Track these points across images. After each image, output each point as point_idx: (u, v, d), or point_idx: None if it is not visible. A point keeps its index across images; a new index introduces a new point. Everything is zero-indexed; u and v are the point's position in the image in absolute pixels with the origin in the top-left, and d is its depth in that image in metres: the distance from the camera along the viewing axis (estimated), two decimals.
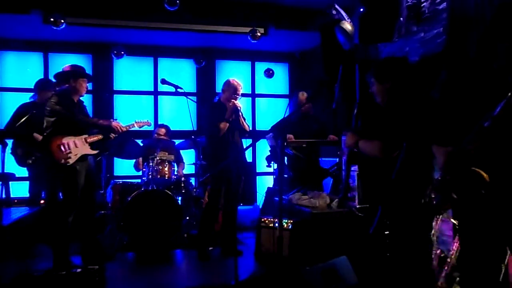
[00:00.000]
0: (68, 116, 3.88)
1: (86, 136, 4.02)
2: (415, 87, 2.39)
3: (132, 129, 4.41)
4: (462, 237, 1.91)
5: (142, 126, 4.55)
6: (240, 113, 4.44)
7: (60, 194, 4.72)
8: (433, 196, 1.83)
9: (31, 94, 5.01)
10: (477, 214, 1.75)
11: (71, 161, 3.85)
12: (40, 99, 4.80)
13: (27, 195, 5.02)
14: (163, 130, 5.75)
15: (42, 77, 6.19)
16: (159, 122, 6.51)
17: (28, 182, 5.01)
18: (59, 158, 3.83)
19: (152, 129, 6.12)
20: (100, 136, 4.11)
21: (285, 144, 3.87)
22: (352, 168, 4.11)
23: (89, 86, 4.26)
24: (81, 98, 4.13)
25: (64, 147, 3.83)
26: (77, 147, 3.91)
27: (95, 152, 4.08)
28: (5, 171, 4.24)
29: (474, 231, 1.81)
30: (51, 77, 6.12)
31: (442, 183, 1.75)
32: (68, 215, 3.87)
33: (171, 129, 5.90)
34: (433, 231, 3.07)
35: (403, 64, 2.52)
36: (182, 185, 5.33)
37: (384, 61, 2.69)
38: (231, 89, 4.43)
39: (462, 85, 1.86)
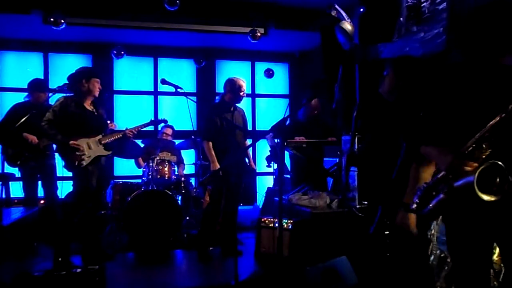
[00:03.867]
0: (45, 129, 3.91)
1: (101, 137, 4.06)
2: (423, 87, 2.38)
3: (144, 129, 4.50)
4: (452, 236, 1.89)
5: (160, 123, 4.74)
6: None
7: (62, 194, 4.76)
8: (418, 201, 1.81)
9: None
10: (471, 211, 1.74)
11: (84, 163, 3.91)
12: (34, 99, 4.78)
13: (22, 195, 5.02)
14: (170, 130, 5.77)
15: (42, 77, 6.21)
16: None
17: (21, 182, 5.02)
18: (73, 160, 3.88)
19: (152, 128, 6.15)
20: (116, 136, 4.15)
21: (285, 144, 3.87)
22: (351, 168, 4.12)
23: None
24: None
25: (78, 149, 3.89)
26: (90, 148, 3.97)
27: (108, 152, 4.12)
28: (5, 171, 4.25)
29: (465, 229, 1.80)
30: (51, 77, 6.19)
31: (443, 183, 1.72)
32: (75, 215, 3.93)
33: (174, 129, 5.92)
34: (433, 231, 3.07)
35: (420, 64, 2.51)
36: (182, 185, 5.33)
37: (406, 59, 2.67)
38: (236, 88, 4.42)
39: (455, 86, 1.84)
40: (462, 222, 1.81)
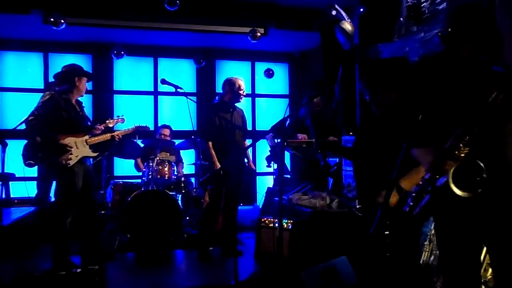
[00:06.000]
0: (31, 125, 3.73)
1: (87, 137, 3.96)
2: (413, 90, 2.40)
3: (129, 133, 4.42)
4: (440, 236, 1.91)
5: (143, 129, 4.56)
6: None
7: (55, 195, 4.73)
8: (411, 203, 1.82)
9: (31, 94, 5.02)
10: (456, 211, 1.76)
11: (71, 162, 3.80)
12: None
13: (33, 194, 5.04)
14: (167, 131, 5.76)
15: (42, 77, 6.23)
16: (159, 122, 6.52)
17: (35, 182, 5.05)
18: (60, 159, 3.78)
19: (152, 128, 6.14)
20: (103, 137, 4.05)
21: (285, 144, 3.87)
22: (350, 168, 4.12)
23: (89, 86, 4.25)
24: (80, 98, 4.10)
25: (69, 146, 3.79)
26: (78, 148, 3.87)
27: (95, 154, 4.03)
28: (5, 171, 4.25)
29: (452, 228, 1.82)
30: (51, 77, 6.17)
31: (431, 183, 1.75)
32: (65, 216, 3.84)
33: (172, 129, 5.92)
34: (433, 231, 3.07)
35: (400, 69, 2.52)
36: (182, 185, 5.33)
37: (379, 72, 2.69)
38: (235, 88, 4.42)
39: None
40: (450, 221, 1.83)
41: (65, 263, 3.80)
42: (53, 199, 4.97)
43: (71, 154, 3.80)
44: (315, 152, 3.50)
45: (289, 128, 5.05)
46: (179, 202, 4.99)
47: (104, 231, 5.04)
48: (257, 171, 6.70)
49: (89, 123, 4.12)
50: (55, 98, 3.83)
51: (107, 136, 4.09)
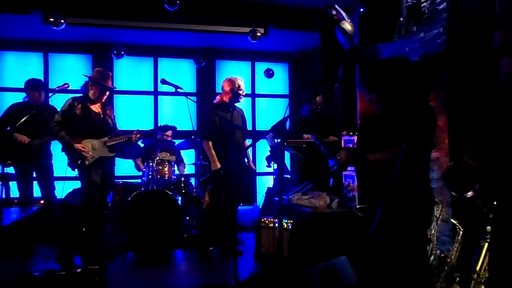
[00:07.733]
0: (54, 131, 4.05)
1: (107, 139, 4.18)
2: (412, 88, 2.39)
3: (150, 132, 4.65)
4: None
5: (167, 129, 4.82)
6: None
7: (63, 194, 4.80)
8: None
9: None
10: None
11: (87, 162, 4.03)
12: (31, 99, 4.73)
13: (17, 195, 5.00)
14: (170, 132, 5.75)
15: (42, 77, 6.21)
16: (159, 123, 6.51)
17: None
18: (76, 158, 4.00)
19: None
20: (122, 139, 4.26)
21: (285, 144, 3.87)
22: (351, 168, 4.12)
23: None
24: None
25: (82, 149, 4.02)
26: (95, 149, 4.09)
27: (113, 154, 4.25)
28: (5, 171, 4.26)
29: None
30: (51, 77, 6.20)
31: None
32: (86, 213, 4.06)
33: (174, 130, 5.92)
34: (433, 231, 3.08)
35: (396, 68, 2.49)
36: (182, 185, 5.33)
37: (374, 70, 2.66)
38: (235, 87, 4.41)
39: None
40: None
41: (66, 263, 3.85)
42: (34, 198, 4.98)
43: (88, 155, 4.05)
44: (327, 157, 3.51)
45: (293, 128, 5.05)
46: (179, 202, 4.99)
47: (104, 231, 5.04)
48: (257, 171, 6.70)
49: (111, 125, 4.34)
50: (71, 105, 4.08)
51: (125, 137, 4.31)
